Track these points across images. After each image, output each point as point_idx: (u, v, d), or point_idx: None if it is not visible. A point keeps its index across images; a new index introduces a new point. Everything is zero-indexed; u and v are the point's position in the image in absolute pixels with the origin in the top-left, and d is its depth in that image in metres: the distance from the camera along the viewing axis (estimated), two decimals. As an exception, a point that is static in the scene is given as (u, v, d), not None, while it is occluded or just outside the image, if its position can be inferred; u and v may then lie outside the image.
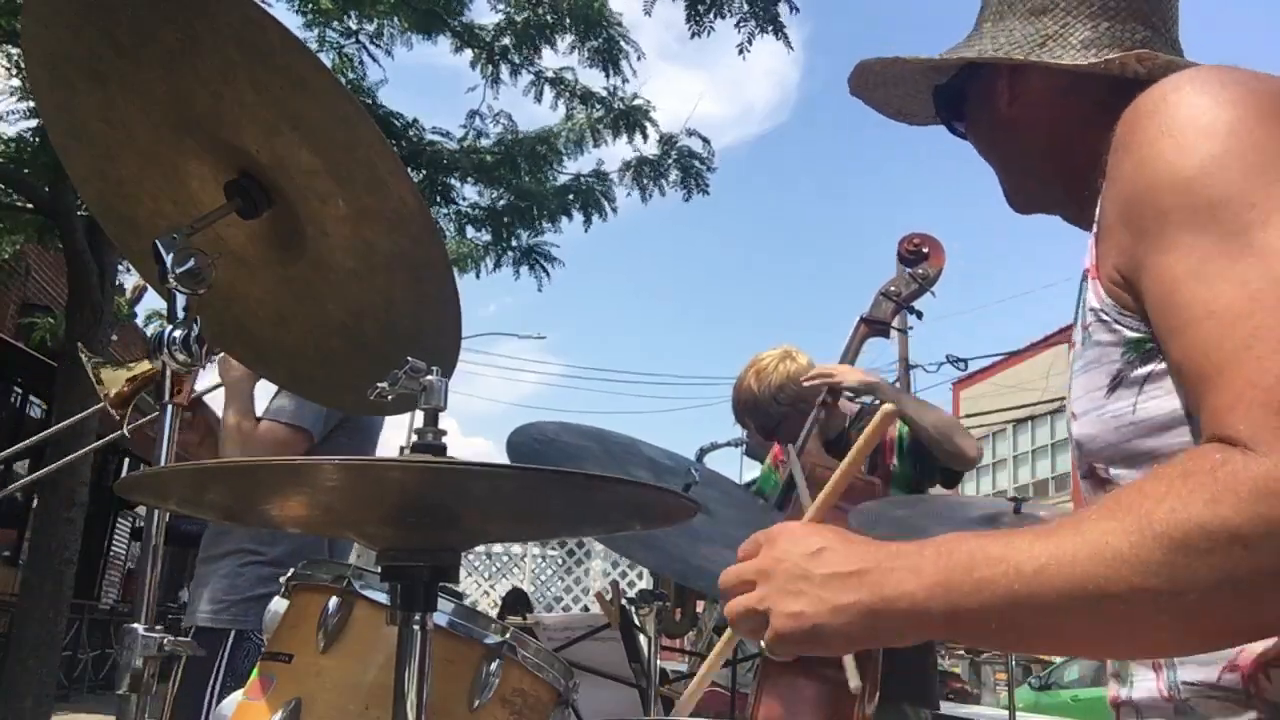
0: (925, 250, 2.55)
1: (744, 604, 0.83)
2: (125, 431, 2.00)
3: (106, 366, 2.11)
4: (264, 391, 2.43)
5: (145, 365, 2.08)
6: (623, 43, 7.98)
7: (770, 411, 2.80)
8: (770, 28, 7.55)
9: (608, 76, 8.12)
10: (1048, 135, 1.02)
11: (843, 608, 0.77)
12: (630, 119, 8.28)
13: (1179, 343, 0.75)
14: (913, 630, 0.76)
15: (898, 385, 17.73)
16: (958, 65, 1.08)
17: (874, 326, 2.56)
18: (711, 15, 7.60)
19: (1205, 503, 0.65)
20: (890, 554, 0.77)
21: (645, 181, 8.53)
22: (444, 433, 0.90)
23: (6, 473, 13.41)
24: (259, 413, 2.40)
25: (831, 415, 2.57)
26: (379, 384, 0.91)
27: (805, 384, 2.58)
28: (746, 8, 7.54)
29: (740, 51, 7.60)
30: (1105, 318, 0.86)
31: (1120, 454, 0.86)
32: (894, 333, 2.62)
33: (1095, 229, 0.87)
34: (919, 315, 2.62)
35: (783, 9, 7.59)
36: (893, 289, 2.57)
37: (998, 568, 0.71)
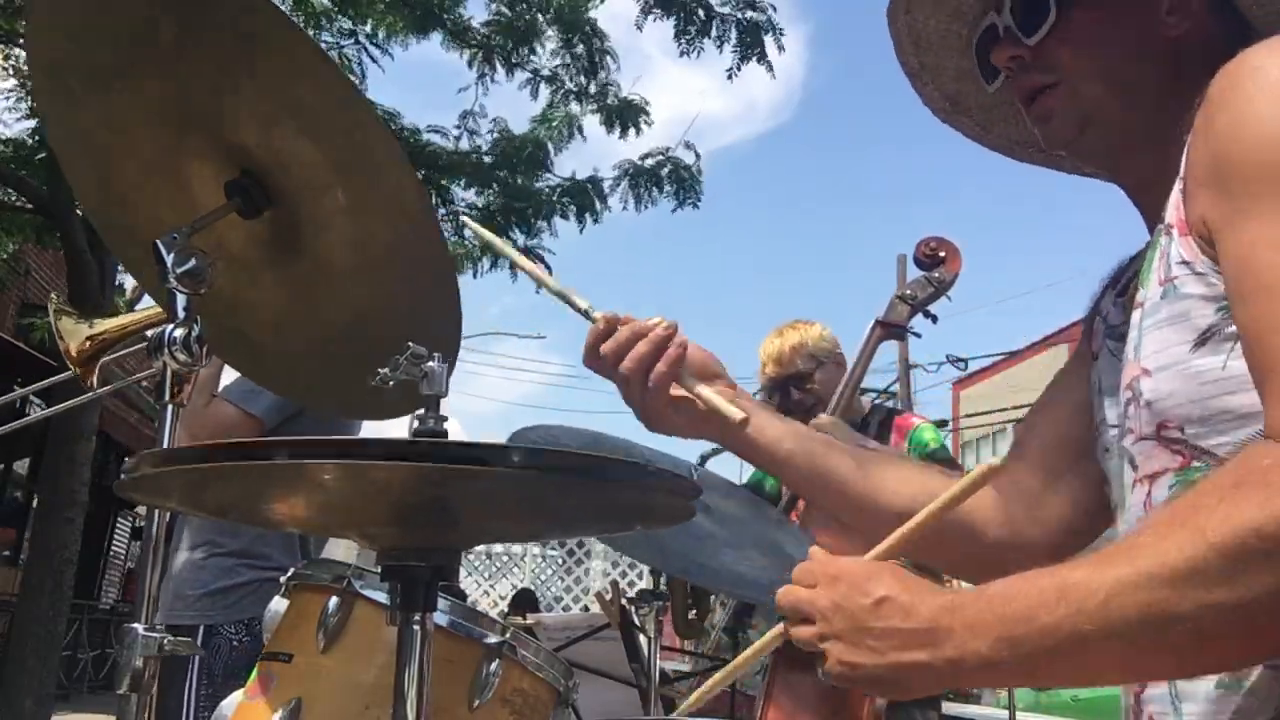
0: (942, 254, 2.56)
1: (803, 637, 0.85)
2: (88, 386, 1.97)
3: (72, 319, 2.05)
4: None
5: (110, 324, 2.03)
6: (607, 57, 8.12)
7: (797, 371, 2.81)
8: (755, 54, 7.71)
9: (586, 82, 8.23)
10: (1175, 58, 0.94)
11: (902, 666, 0.78)
12: (624, 115, 8.34)
13: (1246, 311, 0.75)
14: (980, 681, 0.80)
15: (897, 385, 17.69)
16: None
17: (889, 329, 2.56)
18: (701, 39, 7.78)
19: (1258, 505, 0.64)
20: (948, 609, 0.77)
21: (640, 191, 8.61)
22: (445, 418, 0.90)
23: (7, 471, 13.42)
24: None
25: (849, 408, 2.60)
26: (380, 369, 0.91)
27: None
28: (734, 37, 7.70)
29: (729, 77, 7.80)
30: (1200, 270, 0.83)
31: (1200, 412, 0.83)
32: (907, 335, 2.63)
33: (1181, 184, 0.86)
34: (934, 319, 2.62)
35: (769, 40, 7.77)
36: (909, 292, 2.57)
37: (1058, 611, 0.71)
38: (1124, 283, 1.06)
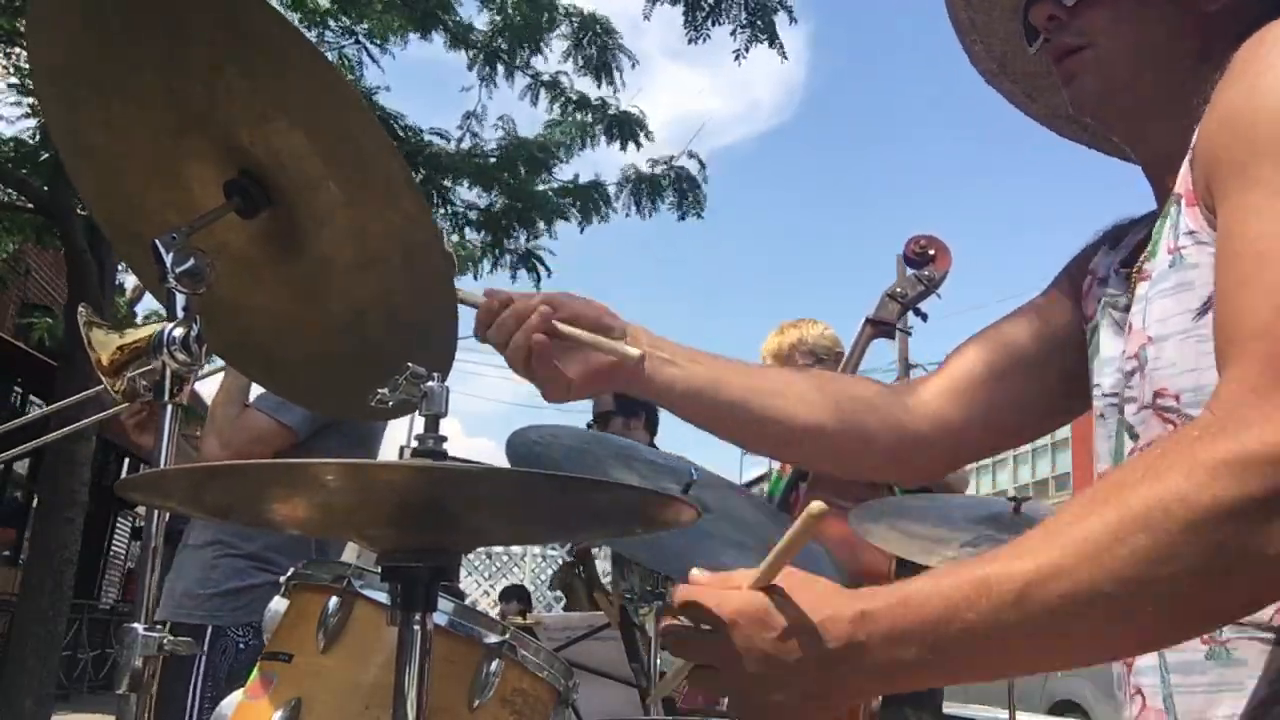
0: (931, 252, 2.57)
1: (716, 688, 0.78)
2: (116, 397, 1.99)
3: (102, 330, 2.07)
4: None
5: (140, 333, 2.05)
6: (619, 53, 8.07)
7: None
8: (765, 38, 7.64)
9: (599, 86, 8.21)
10: (1207, 34, 0.94)
11: (825, 692, 0.74)
12: (624, 127, 8.34)
13: (1224, 277, 0.74)
14: (905, 686, 0.75)
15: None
16: None
17: (879, 328, 2.57)
18: (709, 23, 7.70)
19: (1183, 477, 0.63)
20: (861, 620, 0.72)
21: (642, 198, 8.59)
22: (444, 439, 0.90)
23: (7, 471, 13.41)
24: (251, 399, 2.37)
25: None
26: (379, 390, 0.91)
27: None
28: (744, 18, 7.62)
29: (736, 59, 7.71)
30: (1204, 240, 0.83)
31: (1198, 381, 0.82)
32: (897, 333, 2.64)
33: (1191, 153, 0.85)
34: (924, 317, 2.63)
35: (780, 19, 7.69)
36: (898, 290, 2.58)
37: (980, 606, 0.68)
38: (1126, 249, 1.05)
